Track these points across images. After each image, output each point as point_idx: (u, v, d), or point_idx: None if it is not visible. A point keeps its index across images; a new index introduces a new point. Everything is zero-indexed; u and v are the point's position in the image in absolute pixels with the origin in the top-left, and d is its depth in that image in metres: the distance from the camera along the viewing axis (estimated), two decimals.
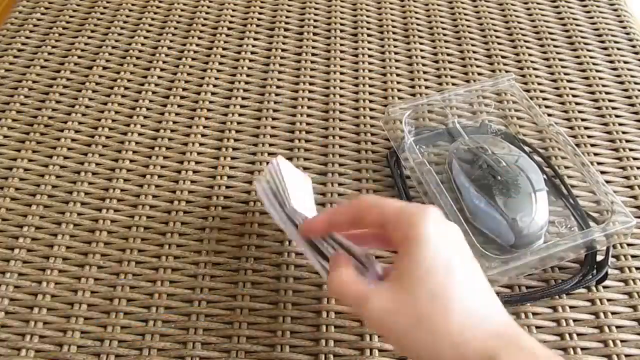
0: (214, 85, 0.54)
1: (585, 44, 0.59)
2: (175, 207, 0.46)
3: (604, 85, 0.55)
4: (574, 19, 0.61)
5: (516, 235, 0.41)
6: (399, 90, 0.54)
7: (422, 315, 0.29)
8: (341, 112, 0.52)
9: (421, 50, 0.57)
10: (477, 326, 0.29)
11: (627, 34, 0.60)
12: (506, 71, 0.56)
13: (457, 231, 0.33)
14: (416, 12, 0.61)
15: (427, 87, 0.54)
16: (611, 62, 0.57)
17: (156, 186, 0.47)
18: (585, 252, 0.43)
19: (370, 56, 0.57)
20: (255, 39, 0.58)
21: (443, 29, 0.60)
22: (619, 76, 0.56)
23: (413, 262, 0.30)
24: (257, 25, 0.59)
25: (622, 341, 0.40)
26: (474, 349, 0.28)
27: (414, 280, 0.30)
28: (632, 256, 0.44)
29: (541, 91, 0.54)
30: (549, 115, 0.52)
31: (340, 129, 0.51)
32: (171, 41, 0.57)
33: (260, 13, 0.60)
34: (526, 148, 0.49)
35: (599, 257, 0.43)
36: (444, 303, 0.29)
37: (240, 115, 0.52)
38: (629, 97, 0.54)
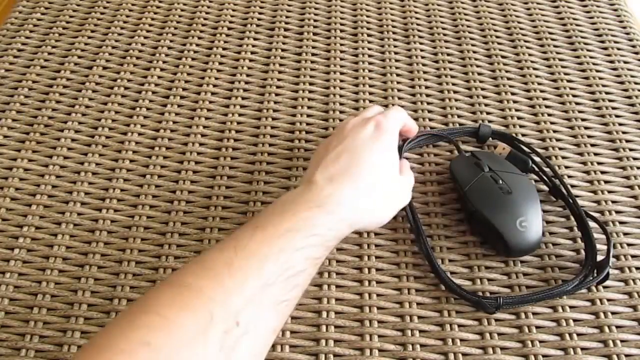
0: (214, 85, 0.54)
1: (585, 44, 0.59)
2: (175, 207, 0.46)
3: (604, 85, 0.55)
4: (574, 19, 0.61)
5: (510, 251, 0.42)
6: (399, 90, 0.54)
7: None
8: (341, 112, 0.52)
9: (421, 50, 0.57)
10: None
11: (627, 34, 0.60)
12: (506, 71, 0.56)
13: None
14: (416, 12, 0.61)
15: (427, 87, 0.54)
16: (611, 62, 0.57)
17: (156, 186, 0.47)
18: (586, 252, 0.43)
19: (370, 56, 0.57)
20: (255, 39, 0.58)
21: (443, 29, 0.60)
22: (619, 76, 0.56)
23: None
24: (257, 25, 0.59)
25: (622, 341, 0.40)
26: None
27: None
28: (632, 256, 0.44)
29: (541, 91, 0.54)
30: (549, 115, 0.52)
31: None
32: (171, 41, 0.57)
33: (260, 13, 0.60)
34: (525, 148, 0.49)
35: (599, 257, 0.43)
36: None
37: (240, 115, 0.52)
38: (629, 97, 0.54)
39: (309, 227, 0.34)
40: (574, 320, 0.41)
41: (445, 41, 0.58)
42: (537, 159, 0.48)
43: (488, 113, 0.52)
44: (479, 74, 0.56)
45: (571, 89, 0.55)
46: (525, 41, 0.59)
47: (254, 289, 0.31)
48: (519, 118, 0.52)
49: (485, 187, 0.43)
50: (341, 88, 0.54)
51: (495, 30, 0.60)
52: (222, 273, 0.31)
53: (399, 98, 0.53)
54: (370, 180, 0.38)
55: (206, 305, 0.29)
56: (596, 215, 0.45)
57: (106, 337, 0.28)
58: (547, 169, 0.47)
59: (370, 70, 0.56)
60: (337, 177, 0.37)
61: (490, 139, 0.50)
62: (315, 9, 0.61)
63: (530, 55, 0.57)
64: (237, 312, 0.30)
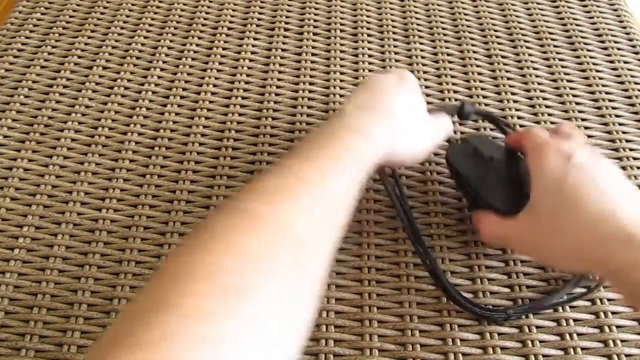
0: (214, 85, 0.54)
1: (585, 44, 0.59)
2: (175, 207, 0.46)
3: (604, 85, 0.55)
4: (574, 19, 0.61)
5: None
6: None
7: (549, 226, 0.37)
8: None
9: (421, 50, 0.57)
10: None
11: (627, 34, 0.60)
12: (506, 71, 0.56)
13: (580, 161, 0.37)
14: (416, 12, 0.61)
15: (427, 87, 0.54)
16: (611, 62, 0.57)
17: (156, 186, 0.47)
18: None
19: (370, 56, 0.57)
20: (255, 39, 0.58)
21: (443, 29, 0.60)
22: (619, 76, 0.56)
23: (534, 193, 0.38)
24: (257, 25, 0.59)
25: (622, 341, 0.40)
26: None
27: (535, 205, 0.38)
28: None
29: (541, 91, 0.54)
30: (549, 115, 0.52)
31: None
32: (171, 41, 0.57)
33: (260, 13, 0.60)
34: (509, 130, 0.49)
35: None
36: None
37: (240, 115, 0.52)
38: (629, 97, 0.54)
39: (352, 150, 0.36)
40: (574, 320, 0.41)
41: (445, 41, 0.58)
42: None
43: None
44: (479, 74, 0.56)
45: (571, 89, 0.55)
46: (525, 41, 0.59)
47: (315, 212, 0.32)
48: (519, 118, 0.52)
49: (493, 177, 0.42)
50: (341, 88, 0.54)
51: (495, 30, 0.60)
52: (281, 198, 0.31)
53: None
54: (396, 114, 0.40)
55: (269, 227, 0.30)
56: None
57: (184, 265, 0.28)
58: None
59: (370, 70, 0.56)
60: (365, 106, 0.39)
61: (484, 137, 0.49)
62: (315, 9, 0.61)
63: (530, 55, 0.57)
64: (302, 235, 0.30)
